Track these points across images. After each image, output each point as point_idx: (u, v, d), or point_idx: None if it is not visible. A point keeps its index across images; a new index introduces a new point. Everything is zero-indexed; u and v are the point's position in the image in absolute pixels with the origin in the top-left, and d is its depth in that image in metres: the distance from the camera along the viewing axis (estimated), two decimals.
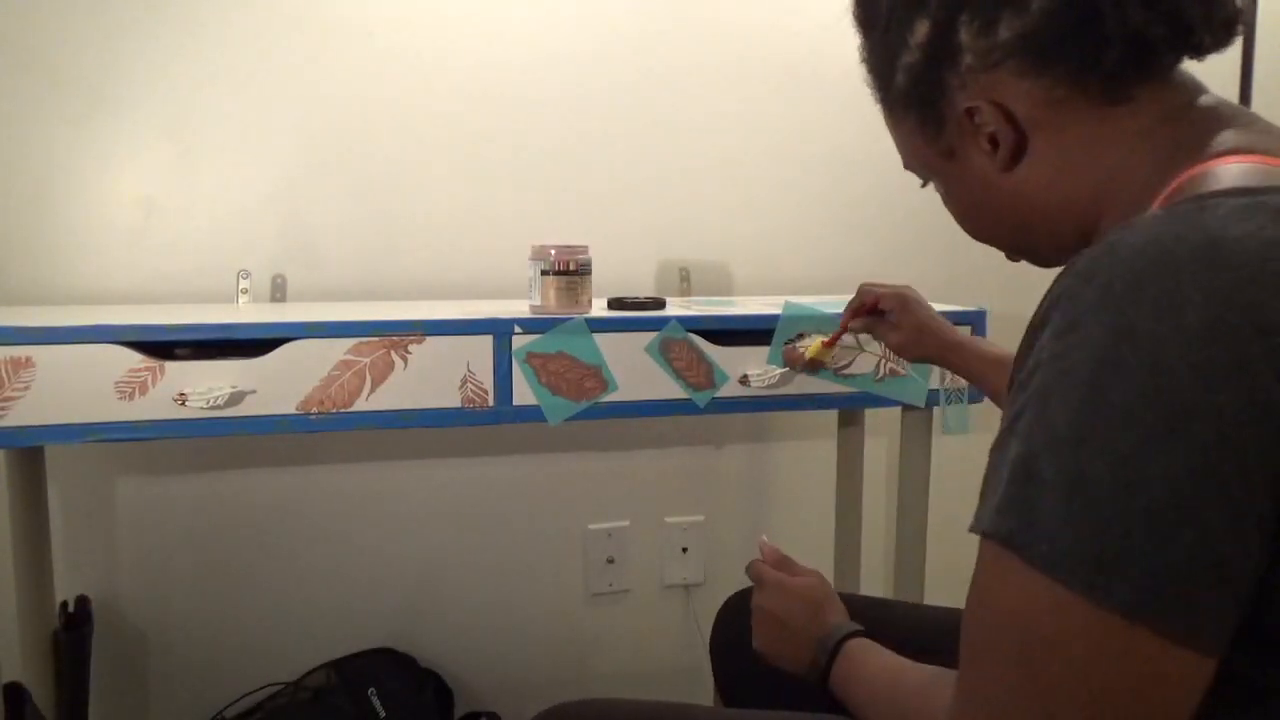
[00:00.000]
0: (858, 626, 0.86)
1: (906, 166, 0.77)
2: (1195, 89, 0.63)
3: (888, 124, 0.75)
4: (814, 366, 1.36)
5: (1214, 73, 0.67)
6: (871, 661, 0.80)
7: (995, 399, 1.12)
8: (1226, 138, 0.58)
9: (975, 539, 0.52)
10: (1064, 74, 0.62)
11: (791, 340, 1.36)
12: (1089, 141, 0.64)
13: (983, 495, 0.52)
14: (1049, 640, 0.47)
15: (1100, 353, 0.47)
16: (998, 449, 0.52)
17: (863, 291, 1.21)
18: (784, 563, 0.96)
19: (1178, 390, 0.45)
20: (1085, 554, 0.45)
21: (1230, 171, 0.54)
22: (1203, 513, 0.44)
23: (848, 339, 1.33)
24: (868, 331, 1.24)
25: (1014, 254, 0.77)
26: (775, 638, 0.90)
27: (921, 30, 0.66)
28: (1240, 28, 0.62)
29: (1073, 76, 0.62)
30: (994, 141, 0.66)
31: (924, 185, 0.78)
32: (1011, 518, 0.48)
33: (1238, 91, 1.74)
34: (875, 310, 1.20)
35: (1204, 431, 0.44)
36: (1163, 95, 0.62)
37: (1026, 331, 0.53)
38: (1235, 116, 0.61)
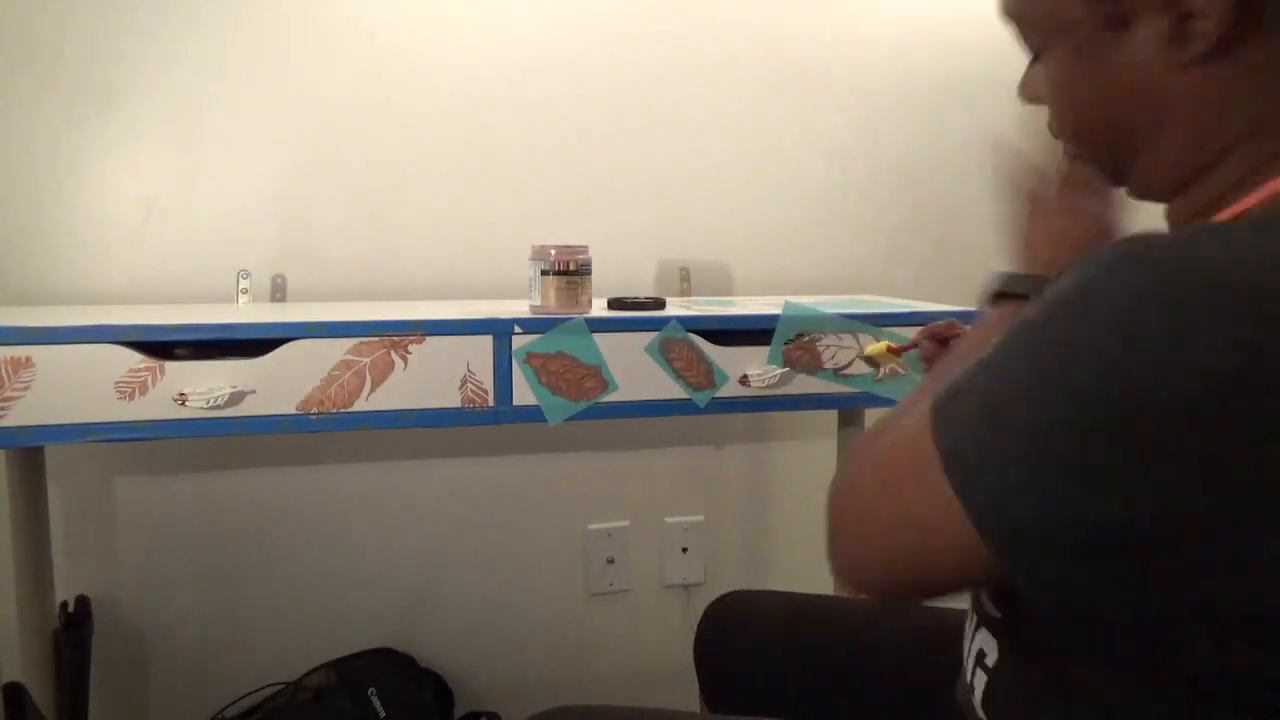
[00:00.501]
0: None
1: (1021, 24, 0.61)
2: None
3: None
4: (870, 363, 1.35)
5: None
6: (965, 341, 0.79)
7: None
8: None
9: None
10: None
11: (791, 340, 1.36)
12: None
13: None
14: (905, 476, 0.54)
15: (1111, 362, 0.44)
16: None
17: (949, 323, 1.06)
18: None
19: (1174, 429, 0.43)
20: (972, 464, 0.49)
21: None
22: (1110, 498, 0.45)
23: (871, 347, 1.26)
24: (928, 360, 1.09)
25: (1096, 162, 0.64)
26: (1047, 239, 0.75)
27: None
28: None
29: None
30: (1180, 30, 0.52)
31: (1033, 61, 0.63)
32: (946, 399, 0.52)
33: None
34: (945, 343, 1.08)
35: (1174, 468, 0.43)
36: None
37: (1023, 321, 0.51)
38: None
